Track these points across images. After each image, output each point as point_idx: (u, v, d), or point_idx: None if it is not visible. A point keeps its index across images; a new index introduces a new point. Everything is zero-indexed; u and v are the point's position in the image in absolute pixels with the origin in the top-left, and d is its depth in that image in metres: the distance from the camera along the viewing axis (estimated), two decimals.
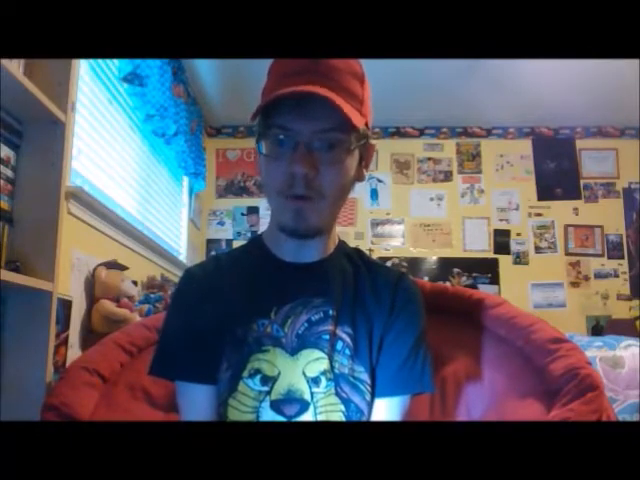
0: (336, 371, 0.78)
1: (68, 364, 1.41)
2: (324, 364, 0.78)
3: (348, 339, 0.80)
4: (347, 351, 0.79)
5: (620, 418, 1.56)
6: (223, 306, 0.82)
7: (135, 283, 2.02)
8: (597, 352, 1.72)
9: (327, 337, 0.79)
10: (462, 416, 1.04)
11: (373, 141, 0.87)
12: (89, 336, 1.70)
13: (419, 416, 1.02)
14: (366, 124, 0.81)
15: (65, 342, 1.58)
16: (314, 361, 0.78)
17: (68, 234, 1.51)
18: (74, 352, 1.62)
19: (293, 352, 0.79)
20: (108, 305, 1.74)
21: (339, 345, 0.79)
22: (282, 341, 0.79)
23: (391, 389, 0.80)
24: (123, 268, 1.88)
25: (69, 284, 1.64)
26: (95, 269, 1.79)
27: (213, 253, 3.79)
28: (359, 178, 0.84)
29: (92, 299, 1.76)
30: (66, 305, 1.60)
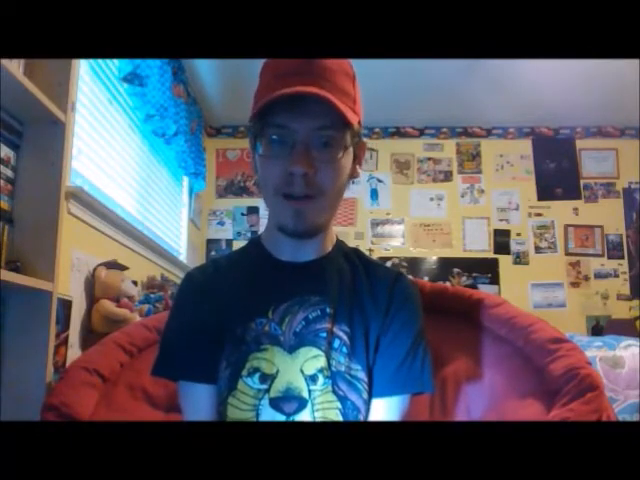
0: (333, 369, 0.78)
1: (68, 364, 1.41)
2: (321, 362, 0.78)
3: (345, 337, 0.80)
4: (344, 349, 0.80)
5: (620, 418, 1.56)
6: (222, 306, 0.82)
7: (135, 283, 2.02)
8: (597, 352, 1.72)
9: (324, 335, 0.79)
10: (462, 416, 1.04)
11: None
12: (89, 336, 1.70)
13: (419, 416, 1.02)
14: (359, 122, 0.82)
15: (65, 342, 1.58)
16: (311, 359, 0.78)
17: (68, 234, 1.51)
18: (74, 352, 1.62)
19: (291, 350, 0.79)
20: (108, 305, 1.74)
21: (336, 343, 0.80)
22: (280, 339, 0.79)
23: (390, 389, 0.80)
24: (123, 268, 1.88)
25: (69, 284, 1.64)
26: (95, 269, 1.79)
27: (213, 254, 3.79)
28: (354, 175, 0.85)
29: (92, 299, 1.76)
30: (66, 305, 1.60)
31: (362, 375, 0.80)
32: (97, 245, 1.91)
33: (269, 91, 0.75)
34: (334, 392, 0.78)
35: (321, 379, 0.78)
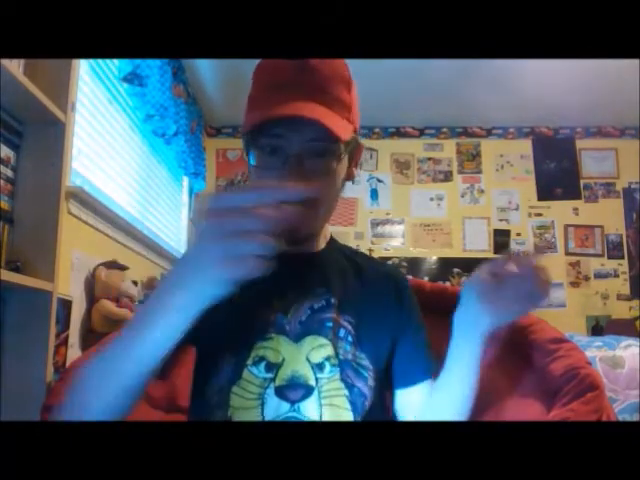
0: (340, 357, 0.79)
1: (68, 364, 1.41)
2: (328, 350, 0.79)
3: (349, 327, 0.82)
4: (349, 338, 0.81)
5: (620, 418, 1.56)
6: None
7: (135, 283, 2.02)
8: (597, 352, 1.72)
9: (330, 324, 0.80)
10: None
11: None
12: (89, 336, 1.71)
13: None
14: (355, 130, 0.82)
15: (65, 342, 1.58)
16: (318, 347, 0.79)
17: (68, 234, 1.51)
18: (74, 352, 1.62)
19: (297, 339, 0.79)
20: (108, 305, 1.74)
21: (341, 332, 0.81)
22: (286, 328, 0.80)
23: (424, 374, 0.85)
24: (123, 268, 1.88)
25: (69, 284, 1.64)
26: (95, 269, 1.79)
27: None
28: (349, 178, 0.85)
29: (92, 299, 1.77)
30: (66, 305, 1.60)
31: (367, 363, 0.81)
32: (97, 245, 1.91)
33: (262, 104, 0.75)
34: (342, 380, 0.79)
35: (328, 367, 0.78)
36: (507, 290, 0.71)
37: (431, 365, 0.87)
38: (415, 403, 0.85)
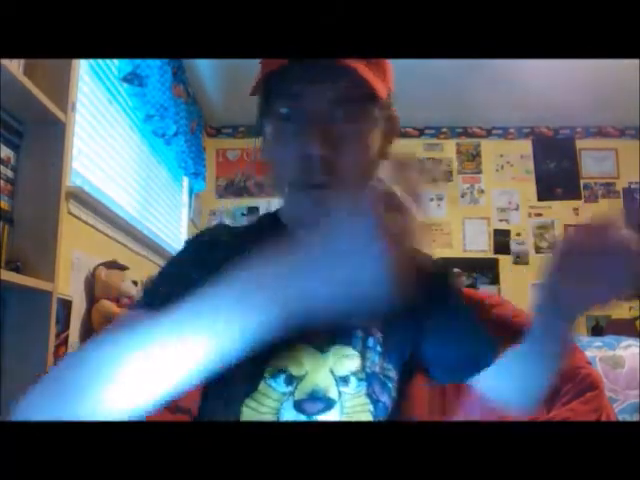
0: (367, 370, 0.71)
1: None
2: (355, 363, 0.70)
3: (378, 334, 0.73)
4: (378, 347, 0.72)
5: (620, 418, 1.56)
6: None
7: (135, 283, 2.02)
8: (597, 352, 1.72)
9: (359, 334, 0.71)
10: (461, 416, 1.04)
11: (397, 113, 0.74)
12: (89, 336, 1.71)
13: (419, 415, 1.02)
14: (389, 93, 0.68)
15: (65, 342, 1.58)
16: (344, 358, 0.70)
17: (68, 234, 1.51)
18: None
19: (322, 349, 0.70)
20: (108, 305, 1.74)
21: (370, 342, 0.72)
22: (311, 337, 0.70)
23: (480, 360, 0.77)
24: (123, 268, 1.88)
25: (69, 284, 1.64)
26: (95, 269, 1.79)
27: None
28: (384, 156, 0.69)
29: (92, 299, 1.77)
30: (66, 305, 1.60)
31: (393, 374, 0.73)
32: (97, 245, 1.91)
33: (275, 60, 0.63)
34: (368, 395, 0.70)
35: (354, 382, 0.70)
36: (593, 268, 0.57)
37: (490, 345, 0.76)
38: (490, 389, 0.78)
